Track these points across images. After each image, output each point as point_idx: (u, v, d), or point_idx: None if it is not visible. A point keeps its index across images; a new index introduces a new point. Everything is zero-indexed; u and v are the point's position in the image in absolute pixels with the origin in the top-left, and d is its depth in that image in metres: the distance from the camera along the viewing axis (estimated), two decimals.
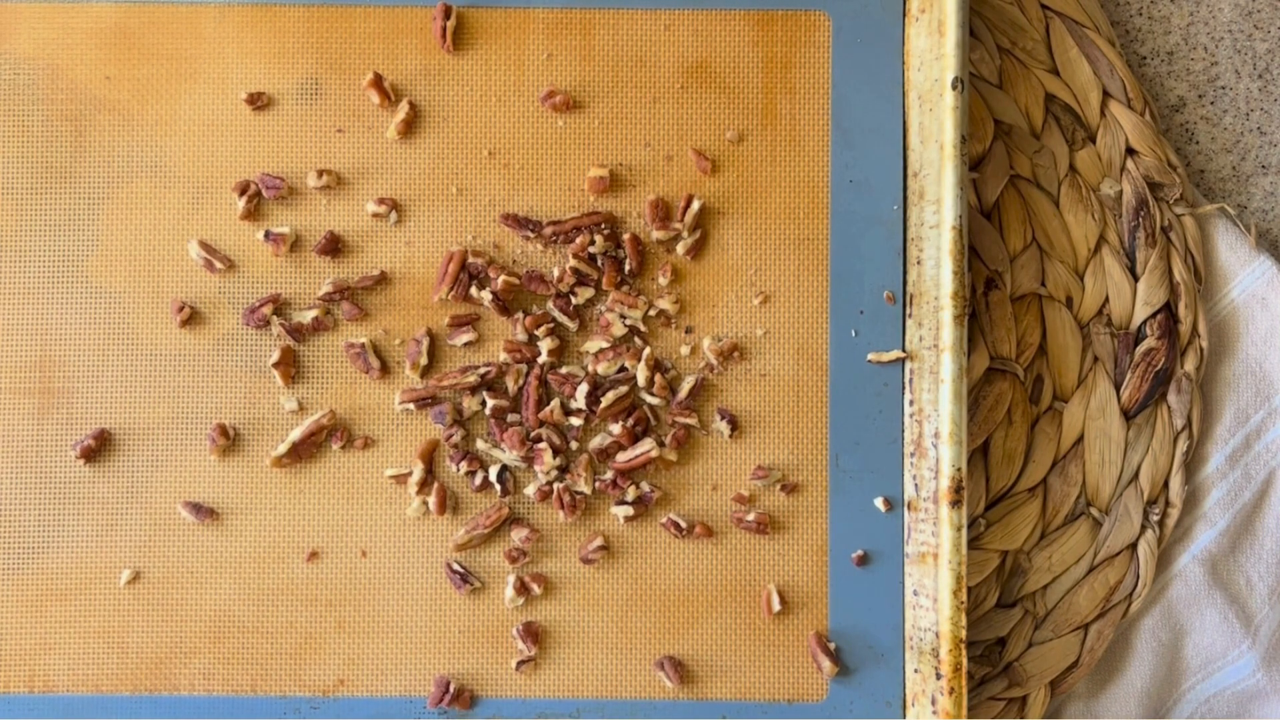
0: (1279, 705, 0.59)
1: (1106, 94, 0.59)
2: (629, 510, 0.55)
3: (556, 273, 0.56)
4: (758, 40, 0.57)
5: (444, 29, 0.56)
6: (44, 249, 0.56)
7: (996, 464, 0.58)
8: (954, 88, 0.52)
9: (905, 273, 0.56)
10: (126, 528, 0.55)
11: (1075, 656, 0.58)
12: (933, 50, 0.54)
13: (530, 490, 0.56)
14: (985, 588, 0.58)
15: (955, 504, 0.52)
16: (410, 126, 0.57)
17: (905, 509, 0.56)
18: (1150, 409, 0.59)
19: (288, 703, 0.55)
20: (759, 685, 0.56)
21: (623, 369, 0.56)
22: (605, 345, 0.56)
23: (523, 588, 0.55)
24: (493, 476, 0.56)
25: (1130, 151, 0.59)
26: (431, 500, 0.55)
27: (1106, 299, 0.59)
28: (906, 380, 0.56)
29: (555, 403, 0.56)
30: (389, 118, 0.57)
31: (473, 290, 0.56)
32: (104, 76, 0.56)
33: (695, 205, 0.56)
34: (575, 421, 0.56)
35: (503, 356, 0.56)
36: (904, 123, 0.57)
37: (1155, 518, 0.58)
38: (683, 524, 0.56)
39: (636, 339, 0.56)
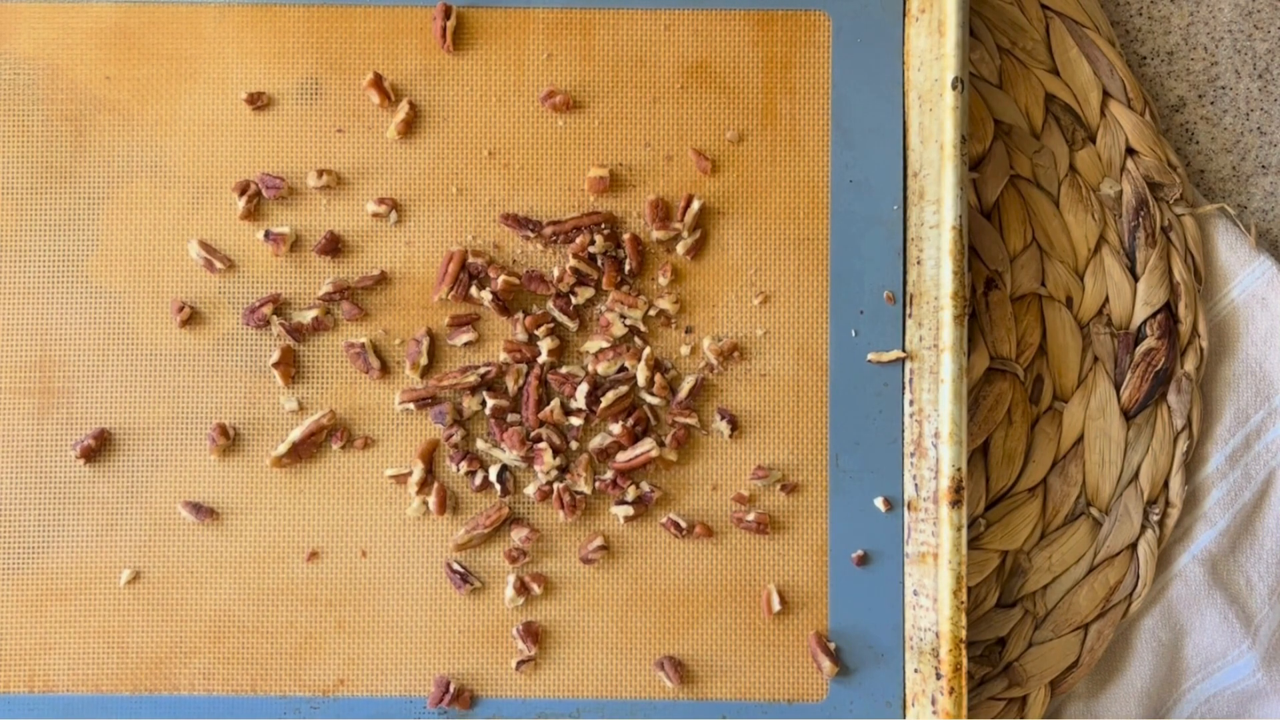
0: (1279, 705, 0.59)
1: (1106, 94, 0.59)
2: (629, 510, 0.55)
3: (556, 273, 0.56)
4: (758, 40, 0.57)
5: (444, 29, 0.56)
6: (44, 249, 0.56)
7: (996, 464, 0.58)
8: (954, 88, 0.52)
9: (905, 273, 0.56)
10: (126, 528, 0.55)
11: (1075, 656, 0.58)
12: (933, 50, 0.54)
13: (530, 490, 0.56)
14: (985, 588, 0.58)
15: (955, 504, 0.52)
16: (410, 126, 0.57)
17: (905, 509, 0.56)
18: (1150, 409, 0.59)
19: (288, 703, 0.55)
20: (759, 685, 0.56)
21: (623, 369, 0.56)
22: (605, 345, 0.56)
23: (523, 588, 0.55)
24: (493, 476, 0.56)
25: (1130, 151, 0.59)
26: (431, 500, 0.55)
27: (1106, 299, 0.59)
28: (906, 380, 0.56)
29: (555, 403, 0.56)
30: (389, 118, 0.57)
31: (473, 290, 0.56)
32: (104, 76, 0.56)
33: (695, 205, 0.56)
34: (575, 421, 0.56)
35: (503, 356, 0.56)
36: (904, 123, 0.57)
37: (1155, 518, 0.58)
38: (683, 524, 0.56)
39: (636, 339, 0.56)
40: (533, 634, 0.55)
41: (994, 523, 0.58)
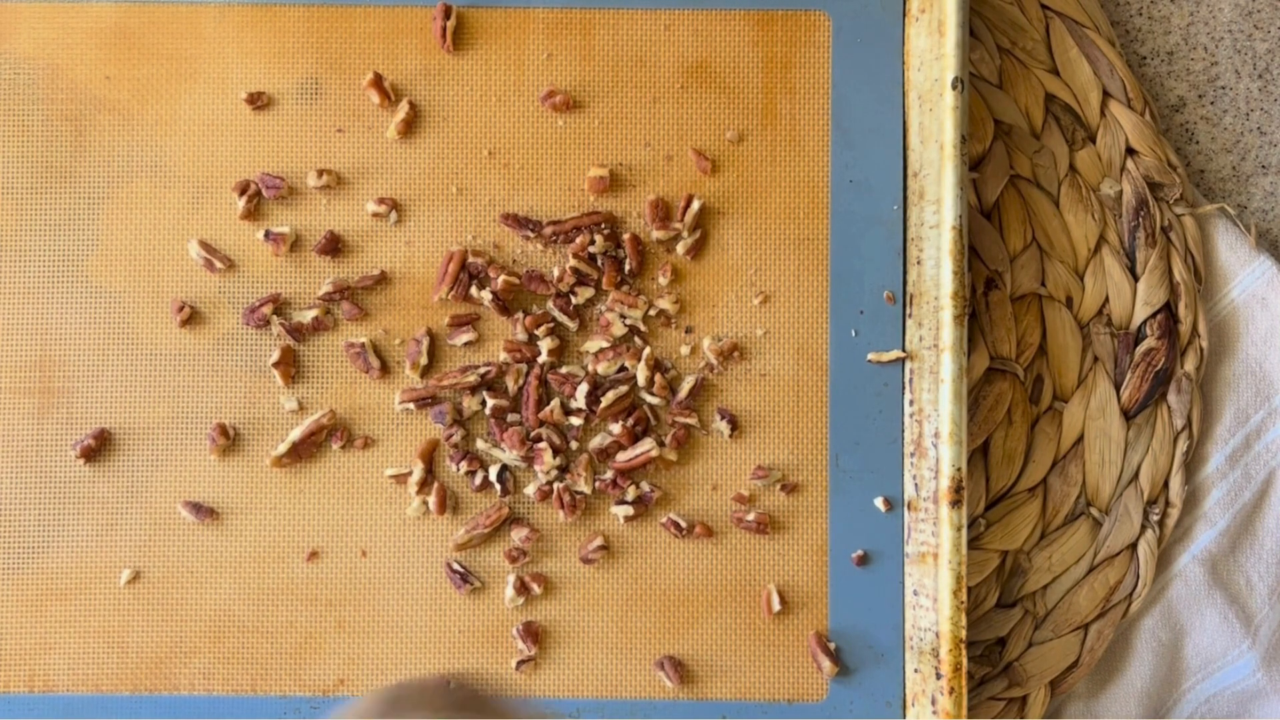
0: (1279, 705, 0.59)
1: (1106, 94, 0.59)
2: (629, 510, 0.55)
3: (556, 273, 0.56)
4: (758, 40, 0.57)
5: (444, 29, 0.56)
6: (44, 249, 0.56)
7: (996, 464, 0.58)
8: (954, 88, 0.52)
9: (905, 273, 0.56)
10: (126, 528, 0.55)
11: (1075, 656, 0.58)
12: (933, 50, 0.54)
13: (530, 490, 0.56)
14: (985, 588, 0.58)
15: (955, 504, 0.52)
16: (410, 126, 0.57)
17: (905, 509, 0.56)
18: (1150, 409, 0.59)
19: (288, 703, 0.55)
20: (759, 685, 0.56)
21: (623, 369, 0.56)
22: (605, 345, 0.56)
23: (523, 587, 0.55)
24: (493, 476, 0.56)
25: (1130, 151, 0.59)
26: (431, 500, 0.55)
27: (1106, 299, 0.59)
28: (906, 380, 0.56)
29: (555, 403, 0.56)
30: (389, 118, 0.57)
31: (473, 290, 0.56)
32: (104, 76, 0.56)
33: (695, 205, 0.56)
34: (575, 421, 0.56)
35: (503, 356, 0.56)
36: (904, 123, 0.57)
37: (1155, 518, 0.58)
38: (683, 524, 0.56)
39: (636, 339, 0.56)
40: (533, 634, 0.55)
41: (994, 523, 0.58)
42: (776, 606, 0.56)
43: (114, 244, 0.56)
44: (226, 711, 0.55)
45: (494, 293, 0.56)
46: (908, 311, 0.56)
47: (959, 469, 0.52)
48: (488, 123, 0.57)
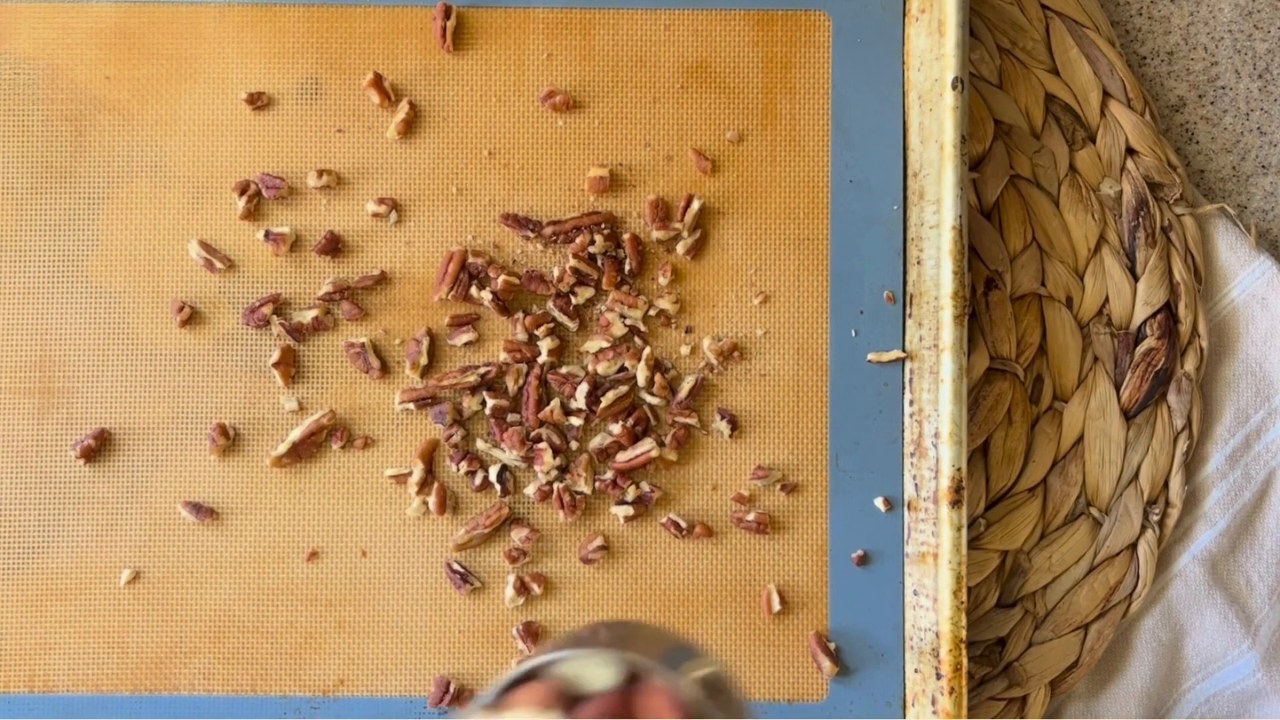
0: (1279, 705, 0.59)
1: (1106, 94, 0.59)
2: (629, 510, 0.55)
3: (556, 273, 0.56)
4: (758, 40, 0.57)
5: (444, 29, 0.56)
6: (44, 249, 0.56)
7: (996, 464, 0.58)
8: (954, 88, 0.52)
9: (905, 273, 0.56)
10: (126, 528, 0.55)
11: (1075, 656, 0.58)
12: (933, 50, 0.54)
13: (530, 490, 0.56)
14: (985, 588, 0.58)
15: (955, 504, 0.52)
16: (410, 126, 0.57)
17: (905, 509, 0.56)
18: (1150, 409, 0.59)
19: (288, 703, 0.55)
20: (759, 685, 0.56)
21: (623, 369, 0.56)
22: (605, 345, 0.56)
23: (523, 588, 0.55)
24: (493, 476, 0.56)
25: (1130, 151, 0.59)
26: (431, 500, 0.55)
27: (1106, 299, 0.59)
28: (906, 380, 0.56)
29: (555, 403, 0.56)
30: (389, 118, 0.57)
31: (473, 290, 0.56)
32: (104, 76, 0.56)
33: (695, 205, 0.56)
34: (575, 421, 0.56)
35: (503, 356, 0.56)
36: (904, 123, 0.57)
37: (1155, 518, 0.58)
38: (683, 524, 0.56)
39: (636, 339, 0.56)
40: (533, 634, 0.55)
41: (994, 523, 0.58)
42: (776, 606, 0.56)
43: (114, 244, 0.56)
44: (226, 711, 0.55)
45: (494, 293, 0.56)
46: (908, 311, 0.56)
47: (959, 469, 0.52)
48: (488, 123, 0.57)
